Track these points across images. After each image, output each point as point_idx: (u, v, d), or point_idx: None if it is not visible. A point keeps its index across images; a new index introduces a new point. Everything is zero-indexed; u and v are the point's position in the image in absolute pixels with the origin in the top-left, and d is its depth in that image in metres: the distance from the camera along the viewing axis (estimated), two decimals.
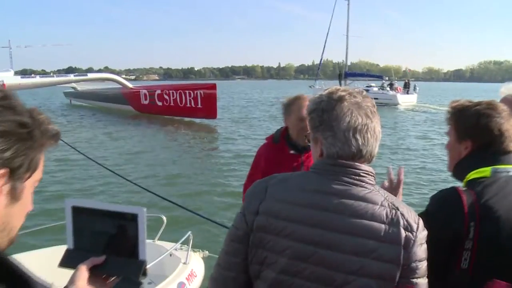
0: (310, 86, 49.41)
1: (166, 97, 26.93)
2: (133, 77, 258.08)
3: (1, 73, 31.09)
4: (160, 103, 27.47)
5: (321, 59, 55.81)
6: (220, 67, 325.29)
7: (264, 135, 18.86)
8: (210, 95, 24.65)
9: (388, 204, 1.39)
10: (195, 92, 25.17)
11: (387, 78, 45.96)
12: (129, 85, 31.15)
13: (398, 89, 42.79)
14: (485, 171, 1.79)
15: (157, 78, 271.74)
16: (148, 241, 4.32)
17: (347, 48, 51.22)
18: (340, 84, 41.18)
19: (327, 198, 1.40)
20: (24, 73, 63.75)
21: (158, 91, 27.63)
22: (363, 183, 1.42)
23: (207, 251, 5.00)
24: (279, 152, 3.09)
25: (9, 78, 29.85)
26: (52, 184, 10.51)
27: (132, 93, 29.81)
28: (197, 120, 25.16)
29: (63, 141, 8.70)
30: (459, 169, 1.92)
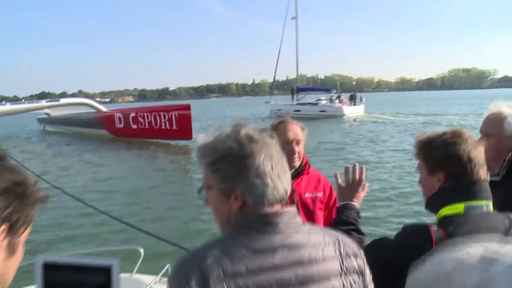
0: (266, 102, 51.26)
1: (140, 119, 26.75)
2: (107, 99, 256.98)
3: None
4: (135, 126, 27.27)
5: (274, 76, 58.99)
6: (195, 86, 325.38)
7: None
8: (184, 116, 24.55)
9: (329, 238, 1.37)
10: (170, 113, 25.08)
11: (334, 91, 47.43)
12: (103, 108, 30.88)
13: (344, 101, 44.63)
14: (457, 208, 1.75)
15: (132, 99, 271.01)
16: (125, 275, 4.21)
17: (297, 64, 54.06)
18: (293, 99, 48.28)
19: (273, 255, 1.26)
20: None
21: (133, 114, 27.45)
22: (297, 226, 1.33)
23: None
24: None
25: None
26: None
27: (106, 117, 29.53)
28: (173, 142, 24.99)
29: (38, 176, 8.58)
30: (432, 203, 1.89)
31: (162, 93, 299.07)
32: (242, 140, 1.30)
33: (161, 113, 25.51)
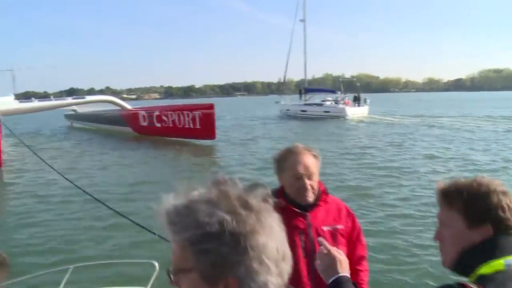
0: (276, 102, 52.96)
1: (164, 118, 26.94)
2: (134, 96, 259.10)
3: (1, 98, 31.18)
4: (159, 125, 27.45)
5: (284, 77, 61.72)
6: (221, 84, 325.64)
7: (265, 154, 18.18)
8: (208, 115, 24.59)
9: None
10: (193, 112, 25.19)
11: (339, 92, 48.59)
12: (128, 106, 31.19)
13: (347, 102, 45.28)
14: (497, 265, 1.51)
15: (158, 96, 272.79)
16: None
17: (305, 65, 55.33)
18: (300, 99, 49.76)
19: None
20: (26, 96, 63.84)
21: (157, 112, 27.64)
22: None
23: None
24: (281, 215, 2.58)
25: (8, 104, 29.92)
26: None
27: (131, 114, 29.86)
28: (197, 142, 25.01)
29: (67, 179, 8.56)
30: (466, 261, 1.60)
31: (188, 91, 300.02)
32: (238, 211, 0.94)
33: (185, 112, 25.65)
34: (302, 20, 54.48)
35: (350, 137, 27.38)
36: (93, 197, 7.65)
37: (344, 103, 44.68)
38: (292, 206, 2.60)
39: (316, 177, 2.61)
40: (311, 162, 2.58)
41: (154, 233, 5.39)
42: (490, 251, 1.54)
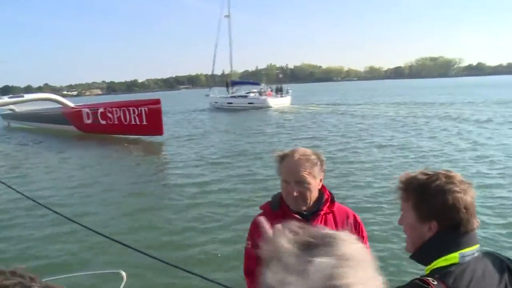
0: (205, 95, 56.07)
1: (109, 115, 26.21)
2: (75, 93, 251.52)
3: None
4: (104, 122, 26.68)
5: (212, 70, 65.43)
6: (164, 78, 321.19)
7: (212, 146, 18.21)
8: (155, 110, 24.24)
9: None
10: (139, 108, 24.69)
11: (263, 85, 52.91)
12: (70, 104, 30.09)
13: (269, 93, 49.31)
14: (453, 258, 1.67)
15: (100, 92, 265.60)
16: None
17: (231, 59, 58.87)
18: (228, 91, 52.07)
19: None
20: None
21: (101, 109, 26.81)
22: None
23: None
24: (282, 221, 2.48)
25: None
26: None
27: (74, 112, 28.76)
28: (144, 138, 24.62)
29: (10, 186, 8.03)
30: (424, 254, 1.76)
31: (131, 86, 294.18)
32: None
33: (131, 108, 25.11)
34: (227, 16, 58.40)
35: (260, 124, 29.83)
36: (49, 208, 7.20)
37: (267, 95, 48.48)
38: (294, 213, 2.50)
39: (310, 185, 2.47)
40: (304, 167, 2.44)
41: (119, 242, 5.20)
42: (445, 247, 1.69)
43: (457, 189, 1.68)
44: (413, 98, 54.54)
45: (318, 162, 2.49)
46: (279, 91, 50.98)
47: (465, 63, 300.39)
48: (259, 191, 11.95)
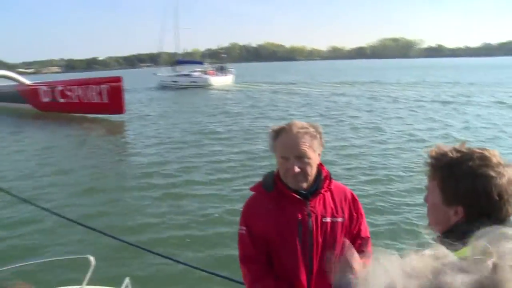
0: (153, 74, 57.31)
1: (68, 93, 25.25)
2: (31, 70, 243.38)
3: None
4: (62, 100, 25.69)
5: (160, 50, 66.88)
6: (125, 56, 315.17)
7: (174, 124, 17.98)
8: (116, 88, 23.43)
9: None
10: (100, 86, 23.86)
11: (206, 64, 55.66)
12: (26, 81, 28.90)
13: (210, 72, 51.23)
14: (464, 252, 1.40)
15: (58, 70, 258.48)
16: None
17: (177, 39, 61.96)
18: (174, 71, 54.15)
19: None
20: None
21: (60, 87, 25.81)
22: None
23: None
24: (278, 202, 2.35)
25: None
26: None
27: (31, 90, 27.59)
28: (105, 117, 23.90)
29: None
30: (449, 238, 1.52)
31: (91, 63, 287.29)
32: None
33: (91, 86, 24.28)
34: None
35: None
36: (7, 192, 6.77)
37: (208, 73, 50.51)
38: (292, 192, 2.32)
39: (310, 160, 2.27)
40: (303, 141, 2.24)
41: (87, 226, 5.12)
42: (468, 235, 1.32)
43: (491, 173, 1.46)
44: (379, 78, 55.70)
45: (318, 135, 2.30)
46: (221, 70, 52.97)
47: (425, 45, 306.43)
48: (222, 171, 11.90)
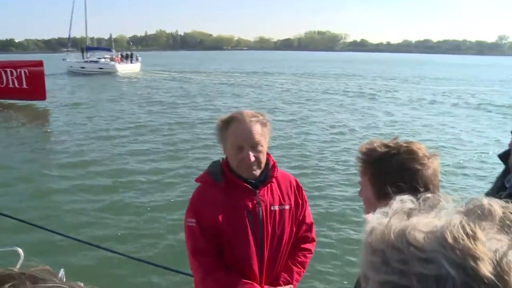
0: (63, 60, 56.07)
1: None
2: None
3: None
4: None
5: (69, 35, 64.99)
6: (46, 39, 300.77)
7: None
8: (37, 73, 22.31)
9: None
10: (18, 70, 22.52)
11: (114, 51, 55.63)
12: None
13: (116, 59, 51.57)
14: None
15: None
16: None
17: (86, 25, 60.20)
18: (83, 57, 53.61)
19: None
20: None
21: None
22: None
23: (82, 284, 4.03)
24: (228, 193, 2.32)
25: None
26: None
27: None
28: (25, 103, 22.60)
29: None
30: None
31: (7, 45, 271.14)
32: (482, 274, 0.53)
33: (8, 70, 22.82)
34: None
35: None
36: None
37: (115, 60, 51.05)
38: (242, 181, 2.31)
39: (263, 148, 2.30)
40: (256, 130, 2.25)
41: (15, 218, 4.97)
42: None
43: (416, 165, 1.55)
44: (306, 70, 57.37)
45: (267, 123, 2.33)
46: (127, 58, 53.72)
47: (350, 39, 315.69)
48: (152, 160, 11.83)
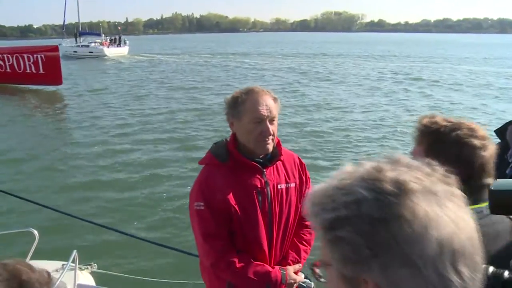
0: (59, 44, 54.38)
1: (0, 62, 23.80)
2: None
3: None
4: None
5: (64, 20, 65.26)
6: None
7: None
8: (53, 58, 22.48)
9: None
10: (35, 55, 22.71)
11: (103, 35, 58.57)
12: None
13: (104, 43, 53.84)
14: None
15: None
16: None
17: (78, 11, 61.70)
18: (76, 42, 55.96)
19: None
20: None
21: None
22: None
23: (95, 265, 4.12)
24: (236, 173, 2.27)
25: None
26: None
27: None
28: (41, 88, 22.90)
29: None
30: None
31: (25, 31, 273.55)
32: (385, 189, 0.70)
33: (25, 55, 23.08)
34: None
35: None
36: None
37: (103, 44, 53.18)
38: (250, 160, 2.28)
39: (276, 123, 2.28)
40: (272, 104, 2.23)
41: (29, 200, 5.02)
42: None
43: (476, 143, 1.56)
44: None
45: (277, 100, 2.30)
46: (115, 42, 55.73)
47: (367, 19, 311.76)
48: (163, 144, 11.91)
